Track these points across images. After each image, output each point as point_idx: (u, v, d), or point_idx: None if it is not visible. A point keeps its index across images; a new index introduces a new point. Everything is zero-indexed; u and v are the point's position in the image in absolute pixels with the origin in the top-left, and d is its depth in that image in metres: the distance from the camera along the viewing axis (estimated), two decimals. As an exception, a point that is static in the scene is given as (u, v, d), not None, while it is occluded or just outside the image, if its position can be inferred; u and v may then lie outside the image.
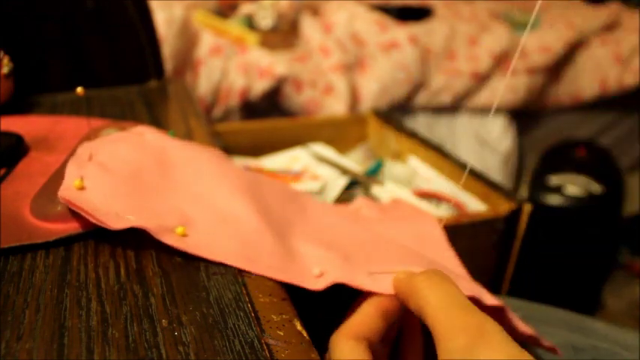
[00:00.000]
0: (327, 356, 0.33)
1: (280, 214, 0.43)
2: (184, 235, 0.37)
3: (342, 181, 0.80)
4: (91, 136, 0.47)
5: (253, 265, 0.37)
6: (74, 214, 0.38)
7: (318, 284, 0.37)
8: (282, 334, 0.31)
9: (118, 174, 0.40)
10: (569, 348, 0.45)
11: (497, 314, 0.40)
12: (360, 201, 0.59)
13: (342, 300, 0.37)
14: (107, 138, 0.46)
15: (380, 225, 0.52)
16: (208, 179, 0.43)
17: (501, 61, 1.54)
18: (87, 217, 0.36)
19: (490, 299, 0.39)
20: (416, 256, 0.41)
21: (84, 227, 0.38)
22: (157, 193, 0.40)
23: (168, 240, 0.37)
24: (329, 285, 0.36)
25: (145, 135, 0.47)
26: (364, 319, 0.33)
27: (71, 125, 0.54)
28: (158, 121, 0.60)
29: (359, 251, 0.41)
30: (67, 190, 0.38)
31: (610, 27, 1.75)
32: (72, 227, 0.38)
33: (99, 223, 0.36)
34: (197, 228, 0.38)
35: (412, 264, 0.39)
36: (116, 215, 0.37)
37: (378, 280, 0.35)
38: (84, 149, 0.43)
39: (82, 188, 0.38)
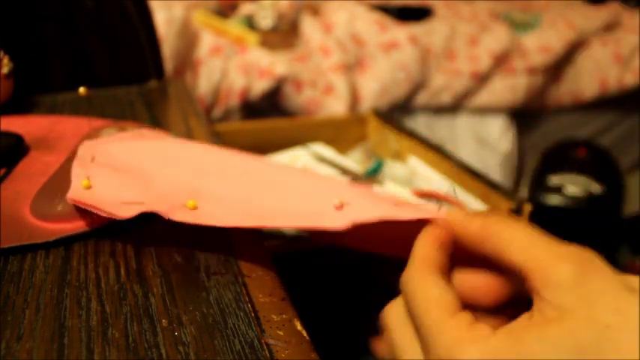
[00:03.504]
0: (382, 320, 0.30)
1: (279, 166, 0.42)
2: (195, 208, 0.37)
3: (342, 181, 0.80)
4: (91, 135, 0.47)
5: (267, 219, 0.36)
6: (74, 215, 0.38)
7: (340, 220, 0.32)
8: (282, 334, 0.31)
9: (121, 171, 0.41)
10: None
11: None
12: None
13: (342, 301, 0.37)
14: (108, 139, 0.46)
15: None
16: (210, 156, 0.43)
17: (501, 61, 1.54)
18: (96, 212, 0.37)
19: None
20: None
21: (84, 227, 0.38)
22: (160, 177, 0.40)
23: (180, 216, 0.36)
24: (355, 223, 0.31)
25: (146, 136, 0.47)
26: (429, 252, 0.29)
27: (71, 125, 0.54)
28: (158, 121, 0.60)
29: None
30: (76, 191, 0.38)
31: (610, 27, 1.75)
32: (72, 227, 0.38)
33: (108, 216, 0.36)
34: (207, 198, 0.38)
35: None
36: (124, 204, 0.37)
37: (412, 208, 0.31)
38: (85, 149, 0.43)
39: (89, 187, 0.38)
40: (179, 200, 0.37)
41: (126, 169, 0.41)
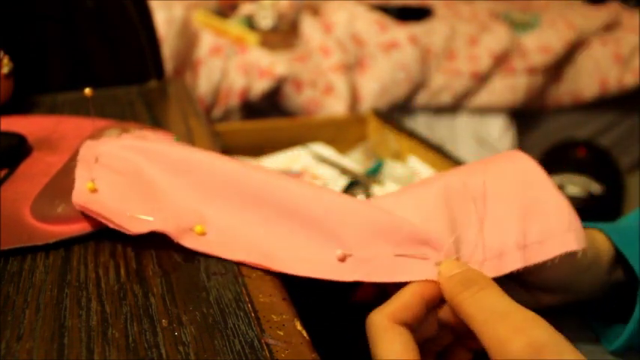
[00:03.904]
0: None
1: (285, 200, 0.42)
2: (203, 234, 0.37)
3: (342, 181, 0.80)
4: (94, 136, 0.47)
5: (275, 261, 0.36)
6: (75, 216, 0.38)
7: (343, 274, 0.34)
8: (282, 334, 0.31)
9: (126, 174, 0.40)
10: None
11: None
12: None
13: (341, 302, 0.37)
14: (109, 140, 0.45)
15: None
16: (218, 175, 0.42)
17: (501, 61, 1.54)
18: (104, 222, 0.36)
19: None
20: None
21: (84, 229, 0.38)
22: (168, 192, 0.40)
23: (189, 243, 0.36)
24: (355, 280, 0.34)
25: (149, 138, 0.47)
26: (408, 303, 0.31)
27: (74, 125, 0.54)
28: (158, 121, 0.60)
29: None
30: (81, 194, 0.38)
31: (610, 27, 1.75)
32: (72, 229, 0.38)
33: (118, 228, 0.36)
34: (215, 226, 0.38)
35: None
36: (132, 218, 0.37)
37: (412, 268, 0.33)
38: (88, 150, 0.43)
39: (94, 191, 0.38)
40: (187, 223, 0.37)
41: (132, 174, 0.41)
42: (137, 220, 0.37)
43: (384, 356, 0.29)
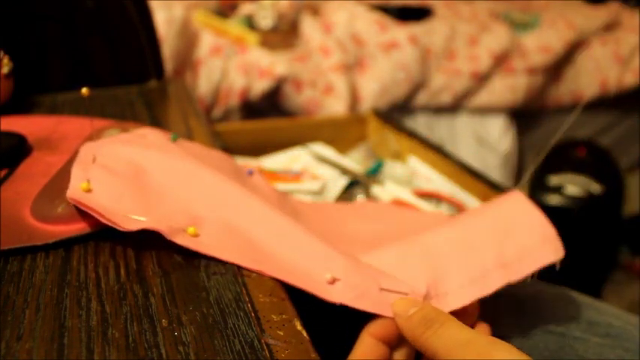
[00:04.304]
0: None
1: (281, 214, 0.43)
2: (196, 235, 0.37)
3: (342, 181, 0.80)
4: (93, 136, 0.47)
5: (265, 265, 0.37)
6: (75, 217, 0.38)
7: (331, 295, 0.35)
8: (282, 334, 0.31)
9: (122, 175, 0.40)
10: (584, 323, 0.45)
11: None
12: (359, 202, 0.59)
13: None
14: (109, 139, 0.45)
15: (385, 218, 0.51)
16: (214, 180, 0.43)
17: (501, 61, 1.54)
18: (98, 217, 0.36)
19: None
20: (417, 251, 0.40)
21: (84, 229, 0.38)
22: (163, 193, 0.40)
23: (181, 240, 0.37)
24: (343, 303, 0.35)
25: (148, 137, 0.47)
26: (368, 349, 0.34)
27: (74, 126, 0.54)
28: (158, 121, 0.60)
29: (362, 248, 0.41)
30: (75, 193, 0.38)
31: (610, 27, 1.75)
32: (72, 229, 0.38)
33: (110, 224, 0.36)
34: (208, 228, 0.38)
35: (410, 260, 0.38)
36: (126, 217, 0.37)
37: (386, 300, 0.35)
38: (86, 150, 0.43)
39: (89, 191, 0.38)
40: (180, 224, 0.38)
41: (128, 176, 0.41)
42: (130, 220, 0.37)
43: None
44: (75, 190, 0.38)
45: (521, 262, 0.38)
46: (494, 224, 0.41)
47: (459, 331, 0.31)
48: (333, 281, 0.36)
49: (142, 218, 0.37)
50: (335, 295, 0.35)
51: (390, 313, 0.34)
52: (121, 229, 0.36)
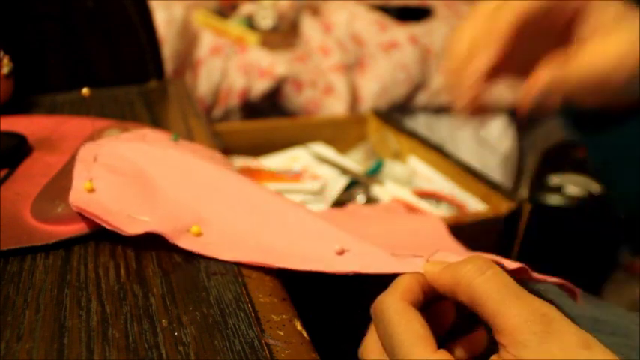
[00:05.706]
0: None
1: (283, 200, 0.43)
2: (199, 234, 0.37)
3: (342, 181, 0.80)
4: (94, 136, 0.47)
5: (271, 257, 0.36)
6: (75, 217, 0.38)
7: (342, 266, 0.35)
8: (282, 334, 0.31)
9: (125, 174, 0.40)
10: (589, 320, 0.45)
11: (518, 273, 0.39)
12: (353, 206, 0.59)
13: (342, 304, 0.37)
14: (110, 139, 0.46)
15: (380, 222, 0.51)
16: (215, 178, 0.43)
17: (501, 61, 1.54)
18: (101, 223, 0.36)
19: (511, 263, 0.38)
20: (423, 245, 0.41)
21: (84, 230, 0.38)
22: (165, 193, 0.40)
23: (185, 243, 0.37)
24: (354, 272, 0.34)
25: (148, 137, 0.47)
26: (412, 285, 0.31)
27: (74, 126, 0.54)
28: (158, 121, 0.60)
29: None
30: (78, 194, 0.38)
31: (610, 27, 1.74)
32: (72, 229, 0.38)
33: (114, 229, 0.36)
34: (211, 226, 0.38)
35: (422, 250, 0.38)
36: (129, 218, 0.37)
37: (407, 262, 0.34)
38: (87, 150, 0.43)
39: (92, 190, 0.38)
40: (183, 224, 0.38)
41: (130, 174, 0.41)
42: (134, 221, 0.37)
43: (405, 335, 0.29)
44: (78, 191, 0.38)
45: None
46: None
47: (511, 281, 0.30)
48: (342, 252, 0.36)
49: (146, 218, 0.37)
50: (345, 264, 0.35)
51: (410, 269, 0.33)
52: (125, 234, 0.36)
